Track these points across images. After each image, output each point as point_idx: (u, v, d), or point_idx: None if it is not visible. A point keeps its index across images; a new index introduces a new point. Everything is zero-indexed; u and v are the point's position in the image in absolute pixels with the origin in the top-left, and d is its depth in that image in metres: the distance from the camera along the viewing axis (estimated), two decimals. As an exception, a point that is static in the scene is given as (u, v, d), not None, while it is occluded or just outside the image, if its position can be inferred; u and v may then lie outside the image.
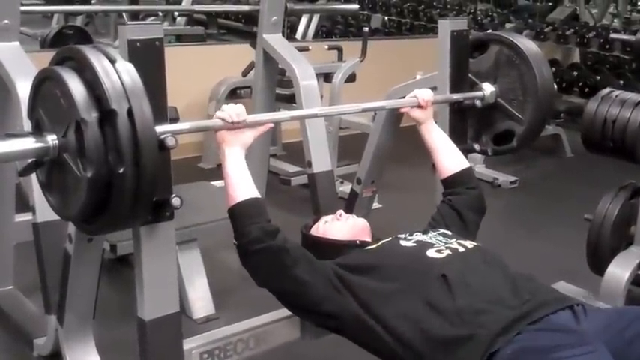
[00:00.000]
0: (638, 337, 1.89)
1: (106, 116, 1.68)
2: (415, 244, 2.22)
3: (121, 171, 1.68)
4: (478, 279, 2.06)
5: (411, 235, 2.29)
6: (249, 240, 2.08)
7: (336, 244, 2.32)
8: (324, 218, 2.46)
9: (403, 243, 2.24)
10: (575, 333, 1.89)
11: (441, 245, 2.19)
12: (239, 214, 2.12)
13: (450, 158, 2.60)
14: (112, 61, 1.73)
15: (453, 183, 2.56)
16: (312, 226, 2.45)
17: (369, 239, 2.38)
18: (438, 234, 2.29)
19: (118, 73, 1.71)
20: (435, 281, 2.03)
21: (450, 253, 2.15)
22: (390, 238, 2.31)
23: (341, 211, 2.48)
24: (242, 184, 2.15)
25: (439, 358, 1.94)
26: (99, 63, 1.71)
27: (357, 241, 2.34)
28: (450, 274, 2.03)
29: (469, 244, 2.23)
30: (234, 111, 2.15)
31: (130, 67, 1.75)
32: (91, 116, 1.67)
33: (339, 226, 2.39)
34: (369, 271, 2.14)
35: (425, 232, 2.31)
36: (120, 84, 1.70)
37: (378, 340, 2.04)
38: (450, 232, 2.32)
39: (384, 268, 2.14)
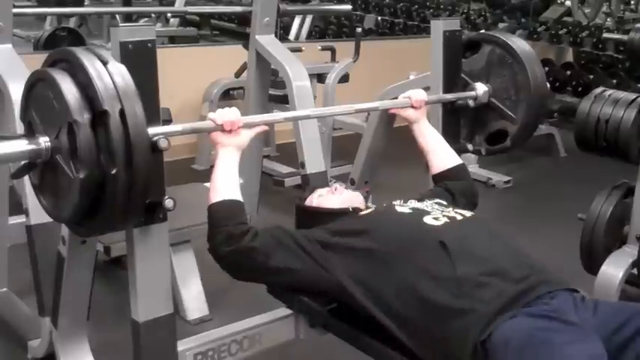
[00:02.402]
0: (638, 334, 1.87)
1: (99, 117, 1.68)
2: (411, 211, 2.19)
3: (113, 172, 1.68)
4: (478, 248, 2.02)
5: (405, 202, 2.27)
6: (214, 245, 2.09)
7: (329, 213, 2.31)
8: (319, 191, 2.45)
9: (399, 209, 2.22)
10: (571, 319, 1.85)
11: (437, 213, 2.16)
12: (211, 216, 2.12)
13: (443, 156, 2.60)
14: (104, 63, 1.73)
15: (445, 179, 2.54)
16: (306, 199, 2.44)
17: (362, 208, 2.37)
18: (434, 202, 2.26)
19: (110, 75, 1.71)
20: (433, 248, 1.99)
21: (448, 221, 2.12)
22: (384, 205, 2.30)
23: (336, 185, 2.48)
24: (221, 187, 2.14)
25: (432, 327, 1.91)
26: (91, 64, 1.71)
27: (350, 208, 2.32)
28: (448, 242, 1.99)
29: (467, 213, 2.20)
30: (227, 117, 2.13)
31: (123, 68, 1.75)
32: (83, 117, 1.67)
33: (333, 198, 2.38)
34: (362, 234, 2.12)
35: (420, 200, 2.29)
36: (112, 85, 1.70)
37: (368, 309, 2.04)
38: (445, 202, 2.29)
39: (378, 232, 2.11)
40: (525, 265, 2.00)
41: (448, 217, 2.13)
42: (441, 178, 2.57)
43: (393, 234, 2.10)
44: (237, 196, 2.15)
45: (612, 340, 1.84)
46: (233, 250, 2.07)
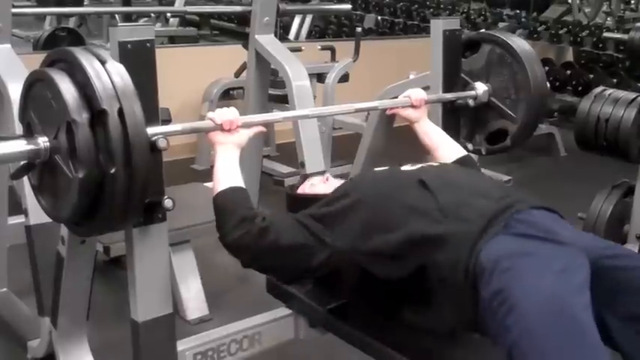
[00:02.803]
0: (623, 270, 1.92)
1: (97, 117, 1.67)
2: (388, 167, 2.29)
3: (112, 171, 1.68)
4: (456, 179, 2.13)
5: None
6: (229, 228, 2.05)
7: (320, 198, 2.29)
8: (311, 180, 2.45)
9: (376, 169, 2.32)
10: (557, 235, 1.89)
11: (415, 164, 2.26)
12: (218, 204, 2.10)
13: (448, 150, 2.58)
14: (103, 62, 1.72)
15: None
16: (298, 187, 2.45)
17: None
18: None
19: (108, 74, 1.71)
20: (413, 187, 2.07)
21: (424, 165, 2.23)
22: None
23: (328, 175, 2.48)
24: (225, 177, 2.12)
25: (427, 263, 1.94)
26: (89, 64, 1.71)
27: None
28: (427, 179, 2.08)
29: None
30: (226, 117, 2.13)
31: (121, 67, 1.75)
32: (81, 117, 1.67)
33: (325, 187, 2.37)
34: (346, 195, 2.15)
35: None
36: (110, 84, 1.70)
37: (376, 265, 2.05)
38: None
39: (360, 186, 2.20)
40: (502, 188, 2.13)
41: (424, 164, 2.25)
42: None
43: (374, 183, 2.19)
44: (241, 183, 2.14)
45: (603, 262, 1.88)
46: (246, 232, 2.04)
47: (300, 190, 2.42)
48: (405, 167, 2.25)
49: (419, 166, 2.22)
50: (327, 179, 2.44)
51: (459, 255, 1.88)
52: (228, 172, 2.14)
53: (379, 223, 2.04)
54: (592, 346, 1.67)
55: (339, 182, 2.45)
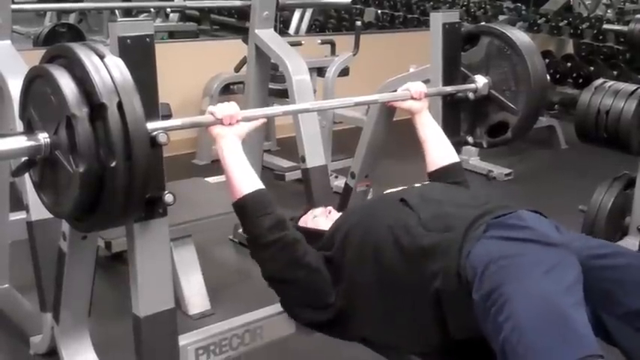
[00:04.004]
0: (613, 269, 1.95)
1: (97, 111, 1.67)
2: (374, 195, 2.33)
3: (112, 165, 1.68)
4: (436, 195, 2.18)
5: None
6: (261, 232, 2.10)
7: (322, 235, 2.31)
8: (314, 212, 2.47)
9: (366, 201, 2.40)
10: (544, 237, 1.90)
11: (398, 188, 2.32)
12: (247, 206, 2.12)
13: (439, 150, 2.59)
14: (101, 57, 1.72)
15: (440, 177, 2.53)
16: (300, 218, 2.46)
17: None
18: None
19: (107, 68, 1.71)
20: (395, 206, 2.13)
21: (406, 187, 2.28)
22: None
23: (330, 208, 2.49)
24: (245, 176, 2.15)
25: (417, 274, 1.97)
26: (88, 59, 1.71)
27: None
28: (408, 198, 2.14)
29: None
30: (227, 112, 2.14)
31: (120, 62, 1.75)
32: (81, 111, 1.67)
33: (327, 221, 2.38)
34: (339, 230, 2.22)
35: None
36: (109, 78, 1.70)
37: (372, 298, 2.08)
38: None
39: (347, 218, 2.27)
40: (483, 197, 2.19)
41: (406, 186, 2.30)
42: (436, 175, 2.56)
43: (358, 210, 2.30)
44: (262, 184, 2.18)
45: (592, 262, 1.91)
46: (281, 237, 2.10)
47: (302, 222, 2.44)
48: (389, 191, 2.33)
49: (400, 187, 2.28)
50: (329, 212, 2.45)
51: (449, 261, 1.91)
52: (245, 171, 2.17)
53: (370, 245, 2.09)
54: (581, 343, 1.66)
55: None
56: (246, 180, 2.14)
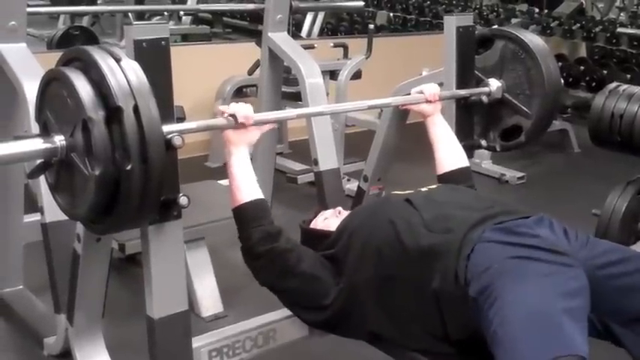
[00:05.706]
0: (618, 277, 1.95)
1: (113, 114, 1.68)
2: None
3: (128, 168, 1.68)
4: (441, 197, 2.20)
5: None
6: (252, 243, 2.14)
7: (331, 234, 2.32)
8: (324, 214, 2.48)
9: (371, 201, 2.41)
10: (559, 249, 1.91)
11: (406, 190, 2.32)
12: (242, 216, 2.17)
13: (449, 154, 2.59)
14: (118, 60, 1.73)
15: (449, 180, 2.53)
16: (311, 221, 2.47)
17: None
18: None
19: (123, 72, 1.72)
20: (400, 206, 2.15)
21: (412, 191, 2.28)
22: None
23: (339, 208, 2.49)
24: (245, 185, 2.18)
25: (417, 272, 1.99)
26: (104, 62, 1.71)
27: None
28: (413, 199, 2.16)
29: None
30: (242, 112, 2.15)
31: (136, 65, 1.76)
32: (97, 114, 1.67)
33: (337, 222, 2.38)
34: (345, 229, 2.24)
35: None
36: (125, 82, 1.70)
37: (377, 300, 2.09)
38: None
39: (352, 218, 2.29)
40: (489, 200, 2.19)
41: (413, 190, 2.30)
42: (444, 178, 2.56)
43: (364, 210, 2.33)
44: (261, 193, 2.20)
45: (597, 273, 1.92)
46: (270, 249, 2.13)
47: (313, 224, 2.46)
48: (393, 192, 2.35)
49: (408, 191, 2.28)
50: (339, 212, 2.46)
51: (448, 262, 1.93)
52: (247, 180, 2.19)
53: (373, 242, 2.10)
54: (564, 342, 1.68)
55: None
56: (243, 190, 2.17)
